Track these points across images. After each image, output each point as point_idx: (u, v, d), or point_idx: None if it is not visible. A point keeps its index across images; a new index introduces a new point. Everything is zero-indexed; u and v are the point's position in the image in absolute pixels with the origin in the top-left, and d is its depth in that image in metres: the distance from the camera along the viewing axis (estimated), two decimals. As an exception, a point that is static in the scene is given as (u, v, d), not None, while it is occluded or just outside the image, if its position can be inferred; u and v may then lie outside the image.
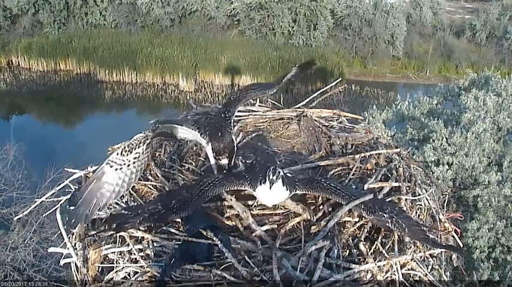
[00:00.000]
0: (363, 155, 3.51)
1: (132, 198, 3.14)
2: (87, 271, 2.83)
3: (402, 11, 23.68)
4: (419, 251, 2.83)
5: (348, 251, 2.74)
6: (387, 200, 3.06)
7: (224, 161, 3.12)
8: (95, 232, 2.94)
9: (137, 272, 2.73)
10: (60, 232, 3.02)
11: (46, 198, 3.37)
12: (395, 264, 2.70)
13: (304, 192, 2.87)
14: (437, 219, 3.21)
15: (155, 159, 3.54)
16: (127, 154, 2.63)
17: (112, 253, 2.84)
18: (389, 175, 3.35)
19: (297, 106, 4.40)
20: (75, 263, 2.91)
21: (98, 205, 2.61)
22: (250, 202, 2.99)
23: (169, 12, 22.61)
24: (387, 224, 2.66)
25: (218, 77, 21.06)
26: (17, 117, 19.04)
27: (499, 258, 5.47)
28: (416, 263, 2.79)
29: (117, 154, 2.63)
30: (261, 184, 2.70)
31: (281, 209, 2.98)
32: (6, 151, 9.78)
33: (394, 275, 2.68)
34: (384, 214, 2.67)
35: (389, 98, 18.88)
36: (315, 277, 2.50)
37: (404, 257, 2.74)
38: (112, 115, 19.62)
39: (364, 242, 2.78)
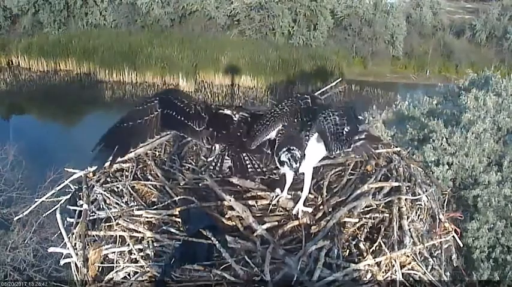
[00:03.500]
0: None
1: (132, 198, 3.14)
2: (87, 271, 2.83)
3: (402, 11, 23.69)
4: (419, 245, 2.85)
5: (348, 251, 2.75)
6: (387, 199, 3.07)
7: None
8: None
9: (137, 272, 2.73)
10: (60, 232, 3.02)
11: (46, 198, 3.37)
12: (395, 260, 2.70)
13: None
14: (437, 219, 3.21)
15: (155, 159, 3.55)
16: None
17: (112, 253, 2.84)
18: (389, 175, 3.35)
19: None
20: (75, 263, 2.91)
21: None
22: (250, 202, 3.00)
23: (169, 12, 22.61)
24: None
25: (218, 77, 21.05)
26: (17, 117, 19.03)
27: (499, 258, 5.47)
28: (416, 262, 2.80)
29: None
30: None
31: (281, 211, 2.98)
32: (6, 150, 9.79)
33: (394, 275, 2.69)
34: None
35: (389, 98, 18.88)
36: (314, 277, 2.51)
37: (403, 251, 2.75)
38: (112, 115, 19.60)
39: (364, 242, 2.78)
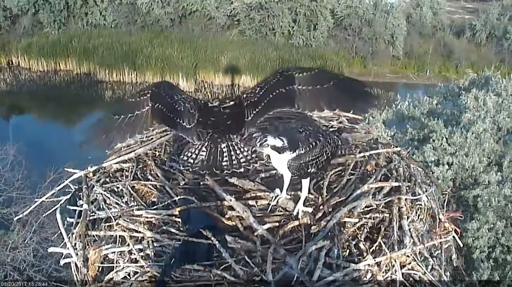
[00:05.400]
0: (362, 155, 3.51)
1: (132, 198, 3.14)
2: (87, 271, 2.83)
3: (402, 11, 23.67)
4: (419, 245, 2.85)
5: (348, 251, 2.75)
6: (387, 199, 3.07)
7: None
8: None
9: (137, 272, 2.73)
10: (60, 232, 3.02)
11: (46, 198, 3.37)
12: (396, 260, 2.70)
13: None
14: (437, 219, 3.21)
15: (155, 159, 3.55)
16: None
17: (112, 253, 2.84)
18: (389, 175, 3.35)
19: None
20: (75, 263, 2.91)
21: None
22: (250, 202, 3.00)
23: (169, 12, 22.60)
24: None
25: (218, 77, 21.05)
26: (17, 117, 19.02)
27: (499, 258, 5.46)
28: (416, 262, 2.80)
29: None
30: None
31: (281, 211, 2.98)
32: (6, 150, 9.78)
33: (394, 275, 2.69)
34: None
35: (390, 98, 18.84)
36: (314, 277, 2.51)
37: (403, 251, 2.75)
38: (112, 115, 19.56)
39: (364, 242, 2.78)
